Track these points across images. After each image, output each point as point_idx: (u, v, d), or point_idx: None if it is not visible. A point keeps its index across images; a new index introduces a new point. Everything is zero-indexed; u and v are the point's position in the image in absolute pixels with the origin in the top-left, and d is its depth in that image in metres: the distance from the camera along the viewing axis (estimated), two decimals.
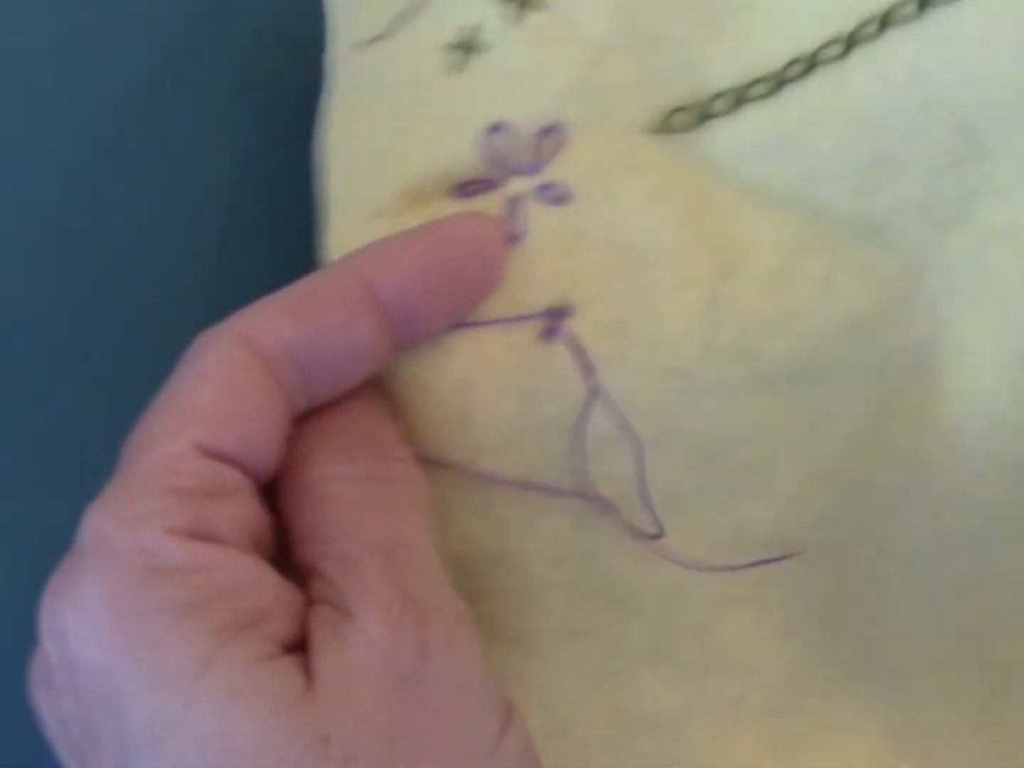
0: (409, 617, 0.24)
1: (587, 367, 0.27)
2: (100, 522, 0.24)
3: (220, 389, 0.25)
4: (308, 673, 0.24)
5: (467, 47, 0.29)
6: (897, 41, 0.28)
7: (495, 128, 0.28)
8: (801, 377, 0.29)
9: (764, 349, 0.28)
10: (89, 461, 0.26)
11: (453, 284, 0.27)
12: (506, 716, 0.25)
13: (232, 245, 0.35)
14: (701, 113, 0.28)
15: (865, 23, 0.28)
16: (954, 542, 0.30)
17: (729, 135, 0.28)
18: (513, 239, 0.27)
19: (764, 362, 0.28)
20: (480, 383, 0.27)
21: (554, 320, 0.27)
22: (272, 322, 0.26)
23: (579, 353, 0.27)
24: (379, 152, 0.29)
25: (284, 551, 0.26)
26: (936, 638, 0.31)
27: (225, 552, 0.24)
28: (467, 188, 0.28)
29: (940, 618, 0.31)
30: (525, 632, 0.30)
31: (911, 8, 0.28)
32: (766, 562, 0.29)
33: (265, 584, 0.25)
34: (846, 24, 0.28)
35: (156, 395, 0.26)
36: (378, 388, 0.28)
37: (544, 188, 0.28)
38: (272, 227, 0.34)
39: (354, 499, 0.26)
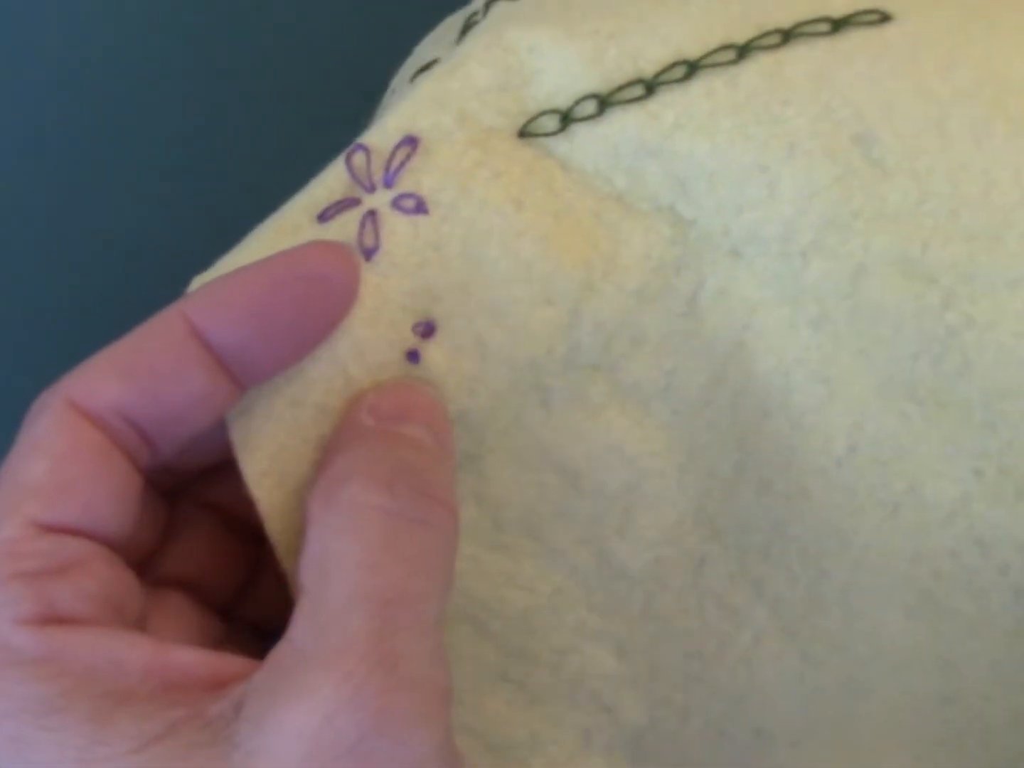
0: (377, 679, 0.23)
1: None
2: None
3: (53, 459, 0.25)
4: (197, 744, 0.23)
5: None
6: (801, 53, 0.27)
7: (354, 149, 0.27)
8: (658, 399, 0.28)
9: (623, 364, 0.27)
10: None
11: (290, 322, 0.26)
12: None
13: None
14: (565, 115, 0.27)
15: (766, 34, 0.27)
16: (828, 590, 0.29)
17: (596, 139, 0.27)
18: (367, 254, 0.27)
19: (623, 377, 0.28)
20: (338, 409, 0.27)
21: (417, 339, 0.27)
22: (99, 382, 0.25)
23: None
24: None
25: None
26: (802, 702, 0.30)
27: (78, 635, 0.24)
28: (327, 212, 0.27)
29: (809, 678, 0.30)
30: None
31: (823, 27, 0.27)
32: None
33: (127, 662, 0.24)
34: (740, 34, 0.27)
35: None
36: (443, 425, 0.27)
37: (399, 199, 0.27)
38: None
39: (379, 535, 0.24)
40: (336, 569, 0.24)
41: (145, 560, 0.28)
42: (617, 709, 0.29)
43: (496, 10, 0.29)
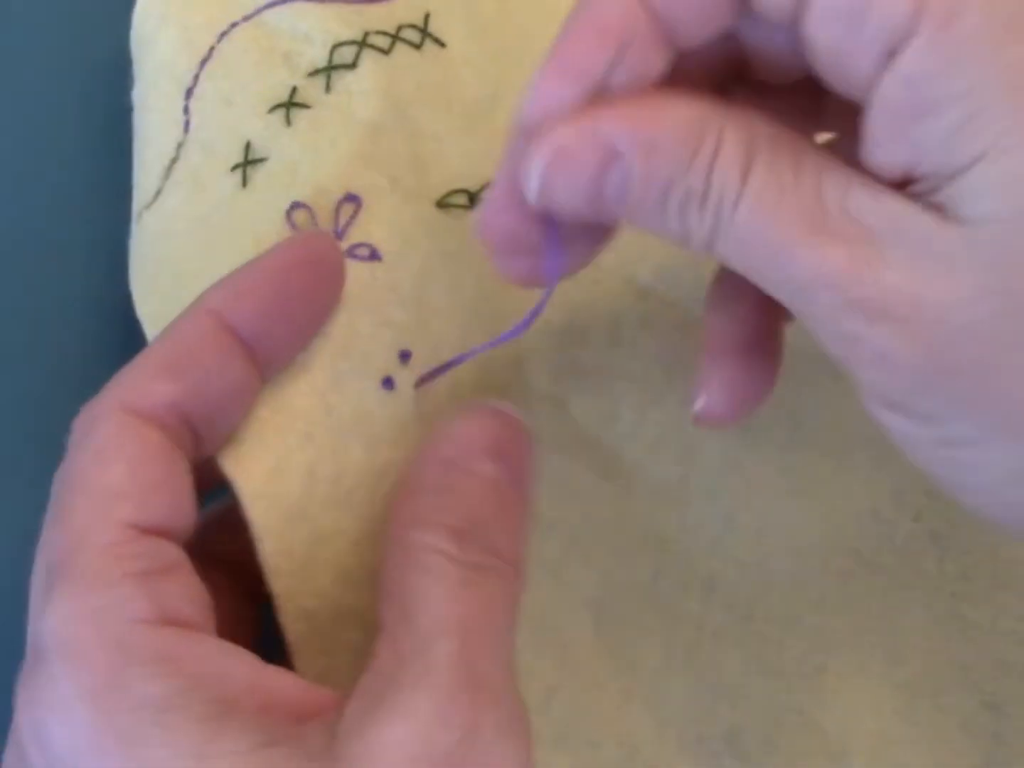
0: (465, 696, 0.23)
1: None
2: (59, 624, 0.23)
3: (129, 464, 0.25)
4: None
5: (247, 164, 0.31)
6: None
7: (294, 206, 0.29)
8: (606, 429, 0.31)
9: (571, 398, 0.31)
10: None
11: (304, 302, 0.27)
12: None
13: None
14: (473, 196, 0.31)
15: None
16: (776, 568, 0.31)
17: None
18: None
19: (571, 409, 0.31)
20: (322, 436, 0.28)
21: (395, 367, 0.28)
22: (151, 383, 0.25)
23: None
24: (192, 278, 0.29)
25: None
26: (763, 686, 0.31)
27: (190, 640, 0.24)
28: None
29: (768, 658, 0.31)
30: None
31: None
32: None
33: (233, 675, 0.24)
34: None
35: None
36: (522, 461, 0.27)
37: (353, 248, 0.29)
38: None
39: (455, 575, 0.25)
40: (418, 604, 0.24)
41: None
42: (602, 743, 0.30)
43: None
